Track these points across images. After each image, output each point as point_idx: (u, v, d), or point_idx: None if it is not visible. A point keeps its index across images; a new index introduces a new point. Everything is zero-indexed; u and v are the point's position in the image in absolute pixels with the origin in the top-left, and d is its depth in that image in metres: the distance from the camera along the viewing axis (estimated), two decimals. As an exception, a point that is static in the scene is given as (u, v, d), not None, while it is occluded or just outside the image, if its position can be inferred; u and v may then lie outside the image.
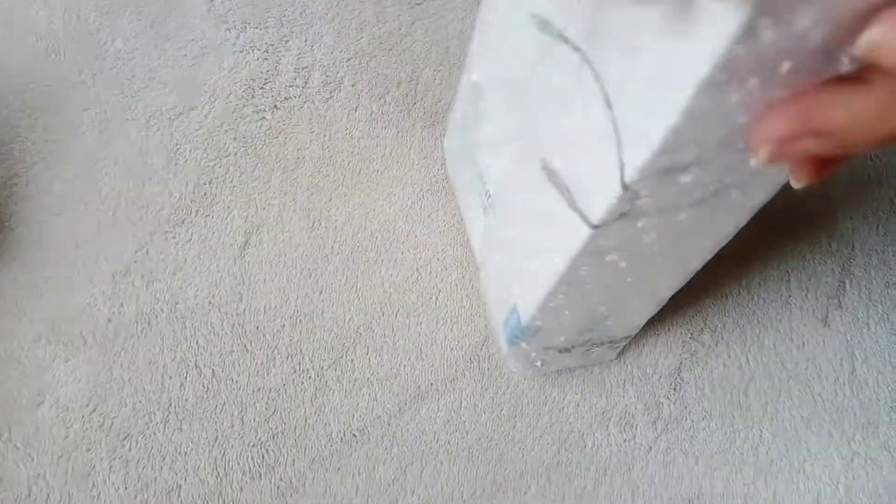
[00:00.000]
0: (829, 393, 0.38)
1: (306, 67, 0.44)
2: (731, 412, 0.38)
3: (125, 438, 0.37)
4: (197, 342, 0.38)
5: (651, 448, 0.37)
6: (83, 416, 0.37)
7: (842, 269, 0.40)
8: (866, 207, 0.41)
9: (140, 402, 0.37)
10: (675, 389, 0.38)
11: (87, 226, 0.40)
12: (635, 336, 0.38)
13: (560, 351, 0.35)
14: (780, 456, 0.37)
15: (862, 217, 0.41)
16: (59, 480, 0.36)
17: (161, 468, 0.37)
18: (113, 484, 0.36)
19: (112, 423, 0.37)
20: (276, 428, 0.37)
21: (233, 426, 0.37)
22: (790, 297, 0.40)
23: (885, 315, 0.39)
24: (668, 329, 0.39)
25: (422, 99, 0.44)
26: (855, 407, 0.38)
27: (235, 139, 0.42)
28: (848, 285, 0.40)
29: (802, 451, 0.37)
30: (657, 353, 0.38)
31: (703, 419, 0.38)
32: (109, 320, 0.39)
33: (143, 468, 0.37)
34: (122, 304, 0.39)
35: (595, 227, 0.26)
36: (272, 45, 0.44)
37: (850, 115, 0.23)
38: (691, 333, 0.39)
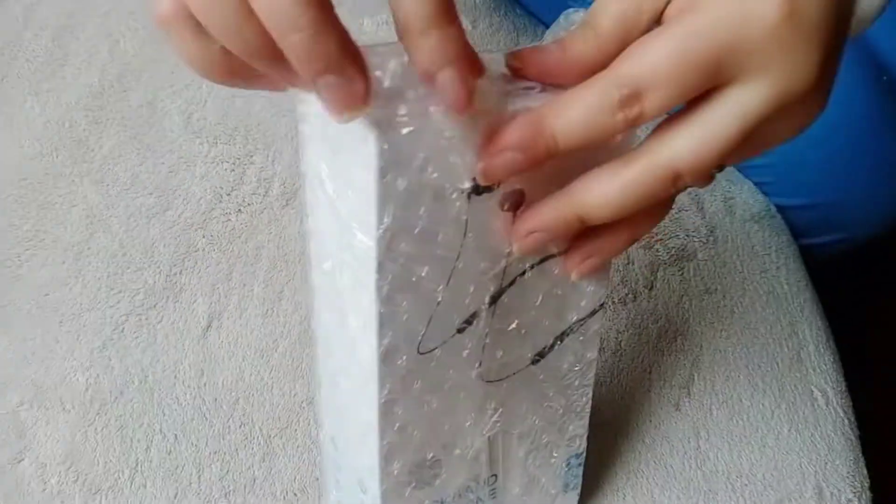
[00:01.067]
0: (679, 465, 0.47)
1: (267, 179, 0.52)
2: (598, 477, 0.46)
3: (96, 492, 0.42)
4: (163, 411, 0.44)
5: (538, 507, 0.45)
6: (59, 472, 0.42)
7: (692, 364, 0.49)
8: (711, 315, 0.51)
9: (110, 461, 0.43)
10: (558, 459, 0.46)
11: (70, 307, 0.46)
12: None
13: None
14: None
15: (708, 323, 0.51)
16: (33, 529, 0.41)
17: (126, 519, 0.42)
18: (82, 532, 0.42)
19: (85, 479, 0.42)
20: (229, 486, 0.43)
21: (191, 484, 0.43)
22: (651, 386, 0.49)
23: (725, 401, 0.48)
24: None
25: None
26: (699, 477, 0.46)
27: (204, 237, 0.49)
28: (696, 377, 0.49)
29: (656, 512, 0.45)
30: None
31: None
32: (87, 389, 0.44)
33: (111, 519, 0.42)
34: (98, 375, 0.45)
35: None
36: (239, 158, 0.52)
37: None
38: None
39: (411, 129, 0.25)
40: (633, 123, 0.25)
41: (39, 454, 0.43)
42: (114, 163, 0.50)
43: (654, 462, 0.47)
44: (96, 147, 0.50)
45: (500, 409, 0.36)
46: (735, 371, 0.50)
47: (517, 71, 0.27)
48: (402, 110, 0.25)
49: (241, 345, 0.46)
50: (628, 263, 0.52)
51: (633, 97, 0.25)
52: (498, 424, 0.36)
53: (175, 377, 0.45)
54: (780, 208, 0.58)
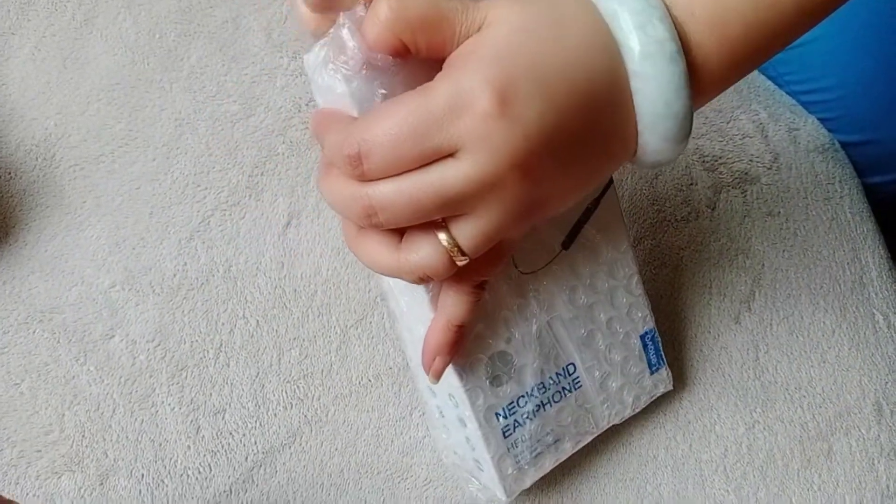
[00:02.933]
0: (737, 374, 0.47)
1: (344, 92, 0.53)
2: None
3: (182, 369, 0.44)
4: (245, 298, 0.46)
5: (600, 406, 0.45)
6: (148, 349, 0.44)
7: (753, 281, 0.49)
8: (775, 236, 0.51)
9: (196, 341, 0.45)
10: (620, 363, 0.47)
11: (160, 199, 0.48)
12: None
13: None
14: (695, 418, 0.46)
15: (771, 244, 0.50)
16: (124, 399, 0.43)
17: (210, 394, 0.44)
18: (169, 404, 0.43)
19: (172, 356, 0.44)
20: (307, 370, 0.45)
21: (271, 366, 0.45)
22: (710, 300, 0.49)
23: (785, 318, 0.48)
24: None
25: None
26: (757, 387, 0.47)
27: (284, 143, 0.50)
28: (757, 294, 0.49)
29: (713, 416, 0.46)
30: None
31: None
32: (174, 275, 0.46)
33: (196, 394, 0.44)
34: (185, 264, 0.46)
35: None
36: (318, 72, 0.53)
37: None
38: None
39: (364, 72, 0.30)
40: (362, 178, 0.28)
41: (129, 332, 0.44)
42: (201, 72, 0.52)
43: (712, 371, 0.47)
44: (185, 57, 0.52)
45: (544, 298, 0.37)
46: (796, 290, 0.49)
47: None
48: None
49: (318, 242, 0.48)
50: (691, 184, 0.52)
51: (356, 156, 0.28)
52: (546, 312, 0.38)
53: (257, 268, 0.46)
54: (843, 145, 0.58)
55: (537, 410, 0.38)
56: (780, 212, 0.52)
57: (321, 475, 0.43)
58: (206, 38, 0.53)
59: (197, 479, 0.42)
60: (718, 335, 0.48)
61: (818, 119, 0.58)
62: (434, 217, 0.29)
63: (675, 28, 0.30)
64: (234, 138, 0.50)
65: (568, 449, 0.40)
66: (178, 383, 0.44)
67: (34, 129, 0.48)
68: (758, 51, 0.32)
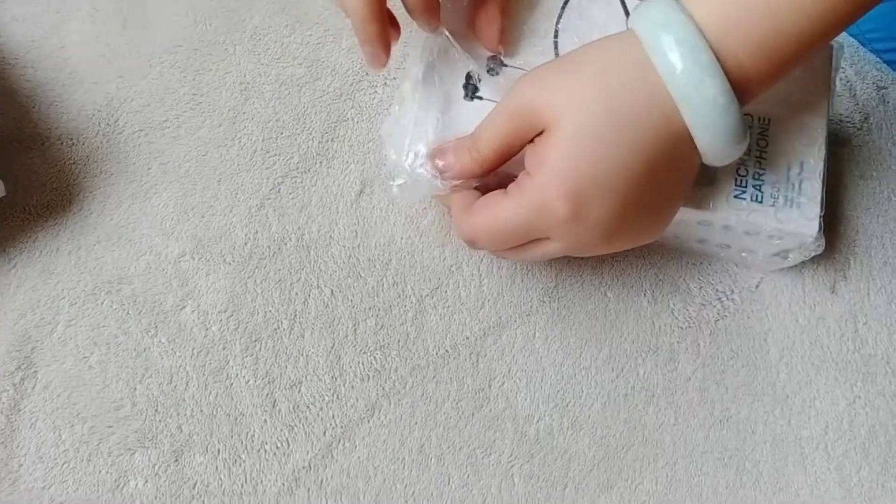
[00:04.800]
0: (836, 347, 0.43)
1: (409, 53, 0.48)
2: (754, 354, 0.42)
3: (256, 340, 0.41)
4: (319, 267, 0.42)
5: (690, 378, 0.42)
6: (220, 320, 0.41)
7: (847, 249, 0.45)
8: (868, 201, 0.46)
9: (270, 311, 0.41)
10: (710, 334, 0.42)
11: (228, 165, 0.44)
12: (681, 291, 0.43)
13: None
14: (794, 392, 0.42)
15: (864, 209, 0.46)
16: (197, 372, 0.40)
17: (286, 367, 0.40)
18: (244, 377, 0.40)
19: (245, 328, 0.41)
20: (383, 341, 0.41)
21: (347, 336, 0.41)
22: (803, 268, 0.44)
23: (882, 287, 0.44)
24: (707, 288, 0.44)
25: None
26: (857, 360, 0.42)
27: (353, 107, 0.46)
28: (852, 262, 0.44)
29: (813, 391, 0.42)
30: (698, 306, 0.43)
31: (731, 358, 0.42)
32: (245, 244, 0.42)
33: (271, 366, 0.40)
34: (256, 232, 0.43)
35: None
36: (384, 33, 0.49)
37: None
38: (725, 293, 0.43)
39: None
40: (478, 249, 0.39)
41: (201, 302, 0.41)
42: (264, 34, 0.48)
43: (810, 343, 0.43)
44: (247, 18, 0.48)
45: None
46: (893, 257, 0.45)
47: (431, 155, 0.38)
48: None
49: (391, 211, 0.44)
50: (779, 148, 0.47)
51: (473, 241, 0.36)
52: None
53: (330, 237, 0.43)
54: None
55: None
56: (872, 174, 0.47)
57: (401, 450, 0.39)
58: (268, -1, 0.49)
59: (275, 454, 0.39)
60: (815, 305, 0.43)
61: (904, 79, 0.53)
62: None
63: (721, 61, 0.32)
64: (302, 103, 0.46)
65: None
66: (252, 355, 0.40)
67: (95, 94, 0.45)
68: (799, 53, 0.33)
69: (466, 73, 0.40)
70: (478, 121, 0.38)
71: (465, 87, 0.40)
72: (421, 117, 0.39)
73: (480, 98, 0.40)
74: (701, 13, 0.32)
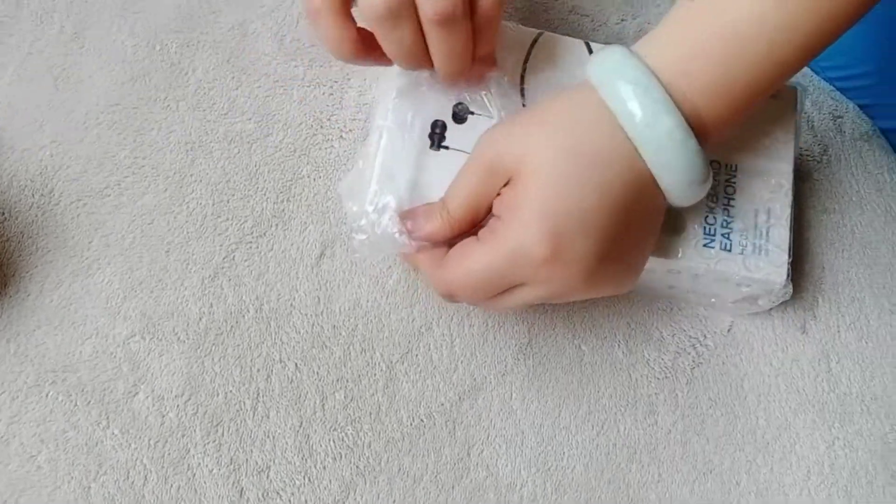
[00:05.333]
0: (811, 388, 0.42)
1: (366, 103, 0.46)
2: (732, 401, 0.41)
3: (217, 425, 0.38)
4: (280, 339, 0.40)
5: (671, 431, 0.40)
6: (178, 405, 0.38)
7: (815, 287, 0.44)
8: (832, 235, 0.46)
9: (231, 391, 0.38)
10: (687, 383, 0.41)
11: (176, 234, 0.41)
12: (654, 340, 0.42)
13: None
14: (774, 439, 0.41)
15: (829, 244, 0.45)
16: (156, 464, 0.37)
17: (251, 451, 0.38)
18: (207, 466, 0.37)
19: (205, 411, 0.38)
20: (354, 414, 0.39)
21: (315, 413, 0.38)
22: (773, 311, 0.44)
23: (852, 324, 0.44)
24: (680, 335, 0.43)
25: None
26: (833, 400, 0.42)
27: (308, 163, 0.44)
28: (820, 300, 0.44)
29: (792, 435, 0.41)
30: (672, 354, 0.42)
31: (709, 407, 0.41)
32: (200, 319, 0.39)
33: (235, 451, 0.37)
34: (211, 305, 0.40)
35: None
36: (336, 81, 0.46)
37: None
38: (698, 339, 0.42)
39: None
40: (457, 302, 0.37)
41: (155, 387, 0.38)
42: (209, 87, 0.44)
43: (786, 386, 0.42)
44: (189, 71, 0.45)
45: None
46: (860, 292, 0.45)
47: (400, 217, 0.36)
48: None
49: (355, 273, 0.41)
50: (742, 184, 0.47)
51: (451, 295, 0.35)
52: None
53: (291, 305, 0.40)
54: (884, 131, 0.53)
55: None
56: (834, 208, 0.47)
57: (380, 530, 0.37)
58: (212, 47, 0.46)
59: (245, 547, 0.36)
60: (787, 347, 0.43)
61: (857, 105, 0.53)
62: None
63: (679, 102, 0.32)
64: (253, 161, 0.43)
65: None
66: (214, 441, 0.37)
67: (28, 162, 0.41)
68: (753, 96, 0.34)
69: (432, 121, 0.38)
70: (444, 171, 0.37)
71: (432, 136, 0.38)
72: (387, 168, 0.37)
73: (447, 148, 0.38)
74: (654, 60, 0.33)
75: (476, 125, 0.39)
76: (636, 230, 0.34)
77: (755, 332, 0.43)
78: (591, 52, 0.41)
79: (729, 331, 0.43)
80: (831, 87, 0.52)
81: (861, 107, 0.53)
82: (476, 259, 0.33)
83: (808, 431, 0.41)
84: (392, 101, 0.39)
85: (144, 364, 0.38)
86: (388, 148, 0.37)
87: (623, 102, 0.32)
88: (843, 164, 0.48)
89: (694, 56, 0.33)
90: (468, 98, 0.39)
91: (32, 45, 0.44)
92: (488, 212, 0.34)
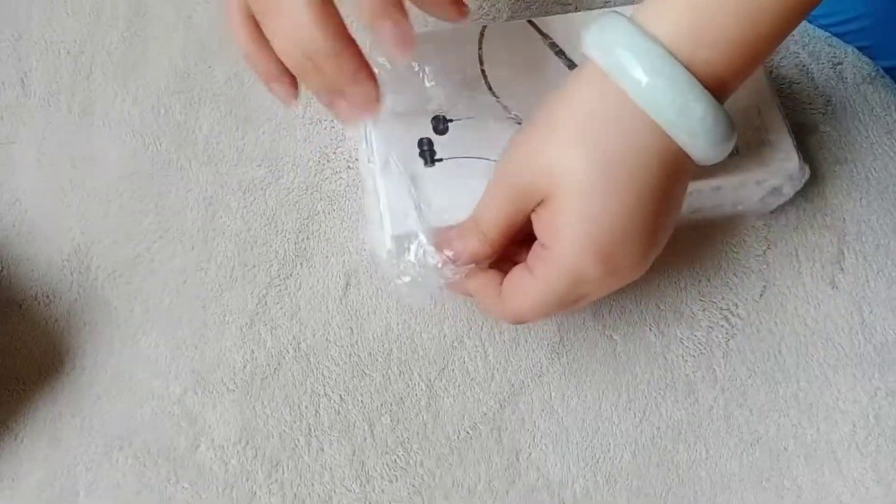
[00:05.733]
0: (847, 342, 0.42)
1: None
2: (771, 368, 0.42)
3: (277, 465, 0.40)
4: (322, 374, 0.41)
5: (713, 406, 0.41)
6: (238, 452, 0.40)
7: (838, 238, 0.44)
8: (848, 185, 0.45)
9: (284, 431, 0.40)
10: (724, 357, 0.42)
11: (209, 289, 0.43)
12: (686, 317, 0.42)
13: None
14: (816, 398, 0.41)
15: (846, 194, 0.45)
16: (225, 509, 0.39)
17: (312, 484, 0.39)
18: (273, 504, 0.39)
19: (264, 454, 0.40)
20: (402, 436, 0.40)
21: (366, 440, 0.40)
22: (800, 267, 0.44)
23: (880, 272, 0.43)
24: (711, 308, 0.43)
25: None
26: (870, 351, 0.42)
27: (321, 199, 0.45)
28: (846, 252, 0.44)
29: (834, 393, 0.41)
30: (705, 329, 0.42)
31: (749, 377, 0.42)
32: (245, 367, 0.41)
33: (297, 487, 0.39)
34: (252, 351, 0.42)
35: None
36: (336, 114, 0.47)
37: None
38: (730, 310, 0.43)
39: None
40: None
41: (214, 437, 0.40)
42: (216, 141, 0.46)
43: (822, 344, 0.42)
44: (196, 129, 0.46)
45: None
46: (883, 238, 0.44)
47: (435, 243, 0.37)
48: None
49: (381, 298, 0.43)
50: (750, 148, 0.46)
51: (517, 321, 0.37)
52: None
53: (327, 340, 0.42)
54: (887, 70, 0.52)
55: None
56: (846, 157, 0.46)
57: (445, 542, 0.39)
58: (213, 101, 0.47)
59: (320, 576, 0.38)
60: (819, 304, 0.43)
61: (857, 48, 0.52)
62: None
63: (688, 62, 0.31)
64: (270, 206, 0.45)
65: None
66: (276, 481, 0.39)
67: (60, 243, 0.43)
68: (768, 44, 0.33)
69: (417, 141, 0.39)
70: (450, 181, 0.38)
71: (422, 154, 0.39)
72: (395, 207, 0.38)
73: (441, 160, 0.39)
74: (657, 26, 0.32)
75: (460, 130, 0.40)
76: (673, 205, 0.34)
77: (787, 293, 0.43)
78: (536, 28, 0.42)
79: (761, 296, 0.43)
80: (827, 35, 0.51)
81: (861, 49, 0.52)
82: (535, 290, 0.34)
83: (849, 386, 0.41)
84: (370, 140, 0.40)
85: (201, 417, 0.40)
86: (387, 187, 0.38)
87: (644, 91, 0.31)
88: (848, 111, 0.48)
89: (701, 14, 0.31)
90: (443, 107, 0.40)
91: (45, 129, 0.46)
92: (522, 227, 0.35)
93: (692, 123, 0.31)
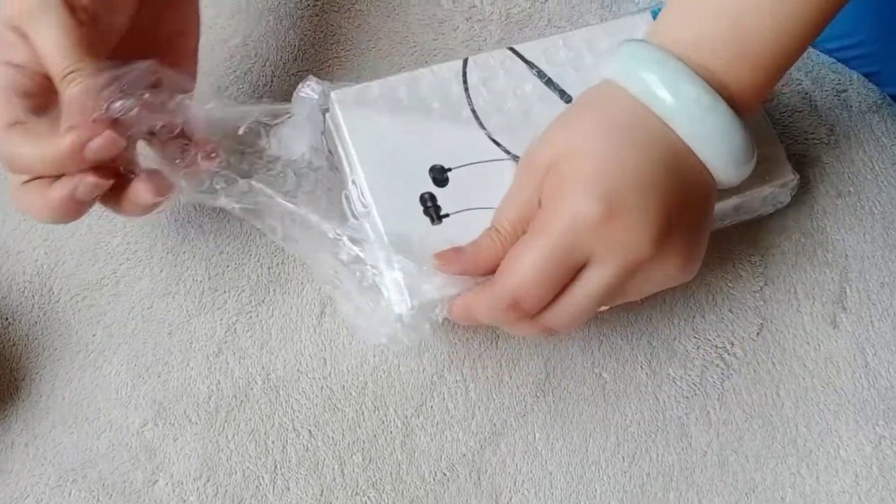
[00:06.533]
0: (849, 386, 0.40)
1: (351, 151, 0.46)
2: (769, 412, 0.39)
3: (239, 503, 0.37)
4: (291, 407, 0.39)
5: (706, 452, 0.39)
6: (198, 489, 0.37)
7: (840, 276, 0.42)
8: (850, 220, 0.43)
9: (248, 467, 0.38)
10: (718, 398, 0.40)
11: (177, 315, 0.41)
12: (679, 355, 0.40)
13: None
14: (816, 446, 0.39)
15: (848, 229, 0.43)
16: (182, 550, 0.37)
17: (276, 527, 0.37)
18: (233, 547, 0.37)
19: (225, 491, 0.37)
20: (374, 476, 0.38)
21: (335, 479, 0.38)
22: (799, 306, 0.42)
23: (885, 312, 0.41)
24: (705, 346, 0.41)
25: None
26: (874, 396, 0.40)
27: (299, 222, 0.43)
28: (848, 290, 0.42)
29: (835, 440, 0.39)
30: (699, 369, 0.40)
31: (745, 421, 0.39)
32: (209, 398, 0.39)
33: (260, 529, 0.37)
34: (219, 381, 0.39)
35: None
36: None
37: None
38: (725, 348, 0.41)
39: None
40: (524, 316, 0.33)
41: (173, 472, 0.38)
42: (192, 160, 0.44)
43: (822, 387, 0.40)
44: (172, 147, 0.45)
45: None
46: (889, 276, 0.42)
47: (441, 268, 0.34)
48: None
49: (358, 327, 0.41)
50: (749, 179, 0.45)
51: (514, 304, 0.32)
52: None
53: (298, 371, 0.40)
54: (894, 98, 0.50)
55: None
56: (850, 190, 0.44)
57: (416, 593, 0.36)
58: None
59: None
60: (819, 345, 0.41)
61: (863, 74, 0.50)
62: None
63: (703, 76, 0.32)
64: (244, 229, 0.43)
65: None
66: (238, 521, 0.37)
67: (23, 263, 0.41)
68: (788, 56, 0.34)
69: (419, 197, 0.37)
70: (460, 235, 0.35)
71: (426, 212, 0.37)
72: (413, 287, 0.35)
73: (447, 215, 0.37)
74: (665, 38, 0.33)
75: (461, 179, 0.37)
76: (691, 203, 0.32)
77: (785, 332, 0.41)
78: (517, 53, 0.40)
79: (758, 334, 0.41)
80: (832, 60, 0.49)
81: (867, 75, 0.50)
82: (532, 250, 0.31)
83: (851, 433, 0.39)
84: (359, 200, 0.37)
85: (161, 451, 0.38)
86: (400, 264, 0.35)
87: (646, 85, 0.32)
88: (853, 141, 0.46)
89: (705, 26, 0.33)
90: (439, 155, 0.37)
91: (17, 144, 0.44)
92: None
93: (688, 106, 0.32)
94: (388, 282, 0.35)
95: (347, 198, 0.41)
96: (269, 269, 0.42)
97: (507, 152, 0.38)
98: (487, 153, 0.38)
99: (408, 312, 0.35)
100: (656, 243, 0.31)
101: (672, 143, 0.32)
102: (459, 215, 0.37)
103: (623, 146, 0.32)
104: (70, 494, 0.37)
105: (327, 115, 0.39)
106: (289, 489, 0.38)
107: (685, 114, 0.32)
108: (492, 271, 0.33)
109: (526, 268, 0.31)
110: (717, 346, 0.41)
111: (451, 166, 0.37)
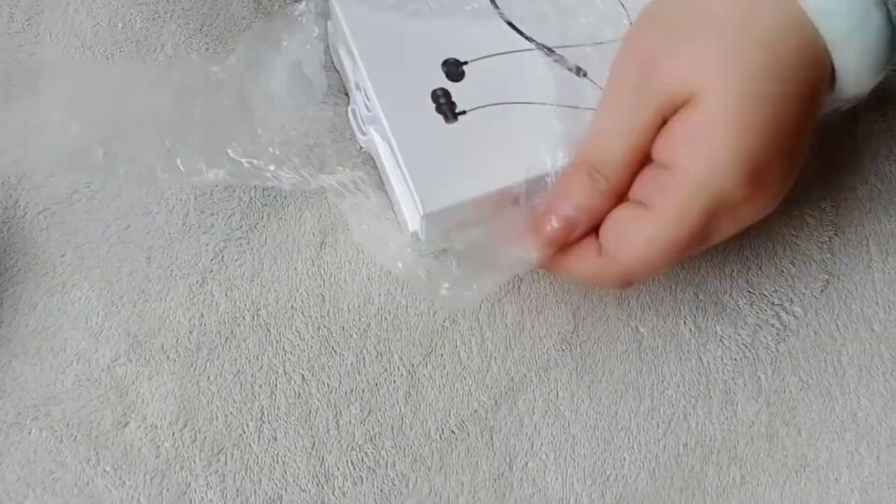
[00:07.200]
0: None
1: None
2: (828, 381, 0.34)
3: (219, 452, 0.33)
4: (283, 348, 0.34)
5: (753, 422, 0.34)
6: (173, 434, 0.33)
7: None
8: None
9: (231, 413, 0.34)
10: (771, 363, 0.35)
11: (157, 238, 0.36)
12: (729, 311, 0.35)
13: None
14: (879, 421, 0.34)
15: (935, 176, 0.37)
16: (153, 502, 0.33)
17: (260, 480, 0.33)
18: (210, 501, 0.33)
19: (205, 438, 0.33)
20: (373, 430, 0.34)
21: (328, 431, 0.33)
22: (871, 261, 0.36)
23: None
24: (760, 303, 0.36)
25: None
26: None
27: (299, 139, 0.38)
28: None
29: (902, 415, 0.34)
30: (752, 328, 0.35)
31: (800, 390, 0.34)
32: (191, 332, 0.35)
33: (242, 481, 0.33)
34: (202, 315, 0.35)
35: None
36: (326, 40, 0.40)
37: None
38: (783, 306, 0.35)
39: None
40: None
41: (147, 414, 0.34)
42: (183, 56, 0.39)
43: (891, 355, 0.35)
44: (158, 46, 0.39)
45: None
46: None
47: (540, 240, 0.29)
48: None
49: (363, 262, 0.36)
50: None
51: (626, 282, 0.29)
52: None
53: (292, 307, 0.35)
54: None
55: None
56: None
57: (414, 562, 0.32)
58: (181, 17, 0.40)
59: (261, 592, 0.32)
60: (890, 307, 0.35)
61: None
62: None
63: None
64: (236, 143, 0.37)
65: None
66: (217, 472, 0.33)
67: (-13, 171, 0.37)
68: None
69: (431, 94, 0.32)
70: (477, 139, 0.31)
71: (440, 109, 0.32)
72: (425, 192, 0.30)
73: (463, 112, 0.32)
74: None
75: (478, 72, 0.32)
76: (805, 130, 0.29)
77: (853, 291, 0.36)
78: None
79: (822, 291, 0.36)
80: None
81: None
82: (656, 234, 0.27)
83: (919, 409, 0.34)
84: (363, 96, 0.33)
85: (133, 389, 0.34)
86: (405, 155, 0.31)
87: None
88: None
89: None
90: (453, 48, 0.32)
91: (-17, 37, 0.39)
92: (648, 155, 0.28)
93: (867, 37, 0.27)
94: (399, 194, 0.31)
95: (354, 112, 0.36)
96: (263, 190, 0.37)
97: (531, 40, 0.32)
98: (508, 43, 0.33)
99: (421, 224, 0.30)
100: (779, 199, 0.28)
101: (821, 58, 0.27)
102: (477, 112, 0.32)
103: (779, 88, 0.27)
104: (30, 433, 0.33)
105: (329, 22, 0.34)
106: (276, 439, 0.33)
107: (859, 41, 0.27)
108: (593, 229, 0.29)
109: (649, 256, 0.28)
110: (773, 303, 0.35)
111: (468, 59, 0.32)
